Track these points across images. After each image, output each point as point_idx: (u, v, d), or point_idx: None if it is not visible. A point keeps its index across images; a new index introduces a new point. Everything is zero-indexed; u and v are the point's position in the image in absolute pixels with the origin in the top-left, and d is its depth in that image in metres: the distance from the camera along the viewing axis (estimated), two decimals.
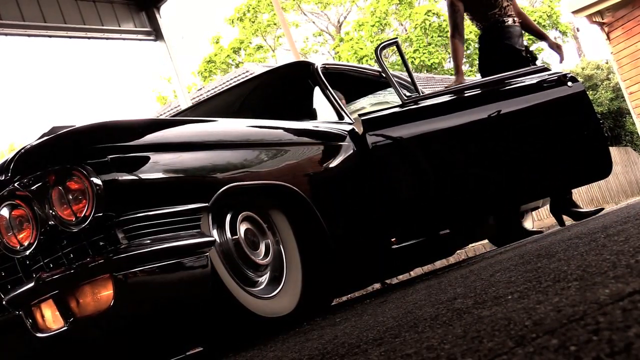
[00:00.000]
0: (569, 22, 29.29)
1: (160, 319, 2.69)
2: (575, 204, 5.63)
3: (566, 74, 4.98)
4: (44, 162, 2.58)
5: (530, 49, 5.40)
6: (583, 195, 16.14)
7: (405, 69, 4.55)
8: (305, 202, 3.34)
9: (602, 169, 4.94)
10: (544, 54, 27.96)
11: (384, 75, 4.49)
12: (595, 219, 4.48)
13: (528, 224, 6.72)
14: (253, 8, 30.04)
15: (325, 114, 4.20)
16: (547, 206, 6.18)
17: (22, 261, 2.63)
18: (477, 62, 5.58)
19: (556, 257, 2.24)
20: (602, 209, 5.71)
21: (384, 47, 4.41)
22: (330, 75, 4.49)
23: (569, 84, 4.85)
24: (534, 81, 4.79)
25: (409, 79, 4.67)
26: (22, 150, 2.67)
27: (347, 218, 3.70)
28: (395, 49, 4.42)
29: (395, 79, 4.51)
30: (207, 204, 2.82)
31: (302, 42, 31.03)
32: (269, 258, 3.21)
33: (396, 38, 4.50)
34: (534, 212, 7.29)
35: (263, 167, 3.26)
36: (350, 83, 4.97)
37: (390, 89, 5.03)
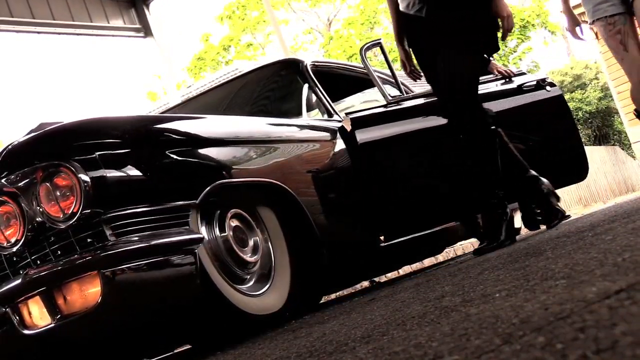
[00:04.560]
0: (558, 22, 29.36)
1: (147, 316, 2.68)
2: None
3: (544, 78, 5.11)
4: (32, 158, 2.57)
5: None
6: (572, 195, 16.20)
7: (388, 69, 4.60)
8: (293, 200, 3.34)
9: (579, 172, 5.09)
10: (532, 54, 28.01)
11: (369, 76, 4.51)
12: (584, 217, 4.50)
13: (516, 221, 6.72)
14: (242, 5, 29.97)
15: (314, 111, 4.20)
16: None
17: (9, 258, 2.62)
18: None
19: (544, 255, 2.25)
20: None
21: (368, 48, 4.46)
22: (319, 73, 4.49)
23: (547, 88, 4.98)
24: (514, 85, 4.91)
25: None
26: (10, 147, 2.66)
27: (336, 215, 3.70)
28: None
29: (381, 79, 4.52)
30: (195, 201, 2.81)
31: (291, 39, 30.97)
32: (257, 255, 3.20)
33: (380, 39, 4.54)
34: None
35: (252, 164, 3.26)
36: (340, 81, 4.97)
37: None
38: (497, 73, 5.11)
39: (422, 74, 4.20)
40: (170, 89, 11.02)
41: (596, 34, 12.93)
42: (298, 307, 3.50)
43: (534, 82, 5.06)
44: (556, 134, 4.94)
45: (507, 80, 5.06)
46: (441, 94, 3.94)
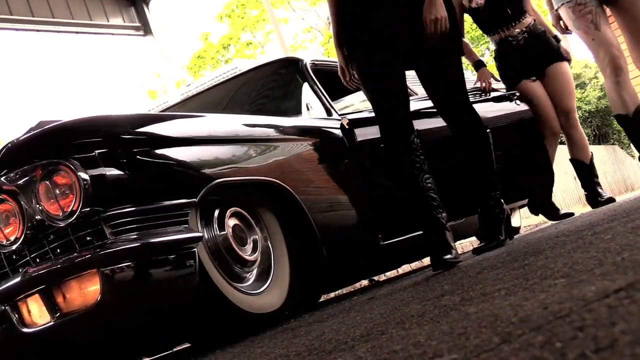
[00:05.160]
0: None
1: (147, 314, 2.69)
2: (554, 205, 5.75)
3: (514, 92, 5.27)
4: (31, 156, 2.57)
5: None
6: (571, 194, 16.19)
7: None
8: (293, 198, 3.33)
9: (545, 183, 5.35)
10: None
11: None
12: (583, 217, 4.50)
13: (515, 220, 6.75)
14: (242, 4, 29.96)
15: (313, 110, 4.20)
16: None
17: (8, 256, 2.62)
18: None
19: (543, 254, 2.25)
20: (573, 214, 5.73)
21: None
22: (319, 71, 4.48)
23: (517, 102, 5.28)
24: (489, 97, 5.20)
25: None
26: (9, 145, 2.66)
27: (335, 214, 3.70)
28: None
29: None
30: (194, 200, 2.81)
31: (291, 38, 30.95)
32: (256, 254, 3.20)
33: None
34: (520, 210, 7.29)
35: (251, 163, 3.26)
36: (339, 79, 4.96)
37: None
38: (477, 84, 5.16)
39: (359, 83, 3.74)
40: (170, 87, 11.03)
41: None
42: (297, 305, 3.50)
43: (505, 95, 5.28)
44: (524, 146, 5.14)
45: (483, 93, 5.15)
46: (389, 106, 3.47)
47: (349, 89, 3.87)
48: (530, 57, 5.20)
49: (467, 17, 5.45)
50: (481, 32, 5.62)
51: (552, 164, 5.37)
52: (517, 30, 5.19)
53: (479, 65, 5.24)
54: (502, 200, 3.77)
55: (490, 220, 3.72)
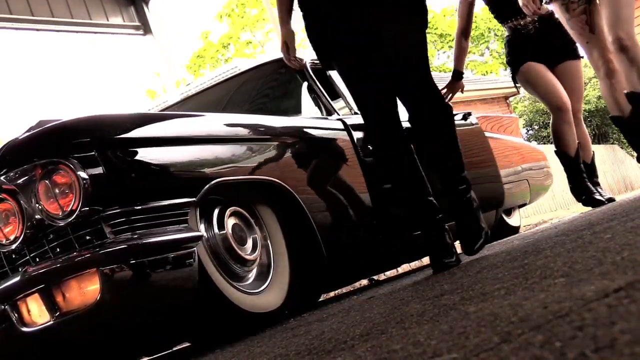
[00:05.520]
0: None
1: (146, 314, 2.69)
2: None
3: (470, 112, 5.58)
4: (31, 155, 2.57)
5: None
6: (570, 194, 16.17)
7: None
8: (292, 198, 3.33)
9: (497, 199, 5.58)
10: None
11: None
12: (582, 216, 4.51)
13: (515, 220, 6.75)
14: (242, 4, 29.98)
15: (313, 109, 4.20)
16: (535, 203, 6.29)
17: (8, 255, 2.62)
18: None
19: (543, 254, 2.25)
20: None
21: None
22: (319, 71, 4.48)
23: (472, 120, 5.53)
24: None
25: None
26: (9, 144, 2.67)
27: (335, 213, 3.70)
28: None
29: None
30: (194, 199, 2.81)
31: None
32: (256, 253, 3.20)
33: None
34: (521, 209, 7.30)
35: (251, 162, 3.26)
36: (338, 78, 4.96)
37: None
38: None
39: (304, 62, 3.73)
40: (170, 86, 11.03)
41: None
42: (297, 305, 3.50)
43: (461, 115, 5.45)
44: (477, 162, 5.29)
45: None
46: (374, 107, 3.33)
47: (292, 66, 3.88)
48: (541, 47, 5.06)
49: (475, 14, 5.42)
50: (481, 32, 5.65)
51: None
52: (528, 19, 5.07)
53: (457, 76, 4.98)
54: (474, 196, 3.46)
55: (468, 224, 3.39)
